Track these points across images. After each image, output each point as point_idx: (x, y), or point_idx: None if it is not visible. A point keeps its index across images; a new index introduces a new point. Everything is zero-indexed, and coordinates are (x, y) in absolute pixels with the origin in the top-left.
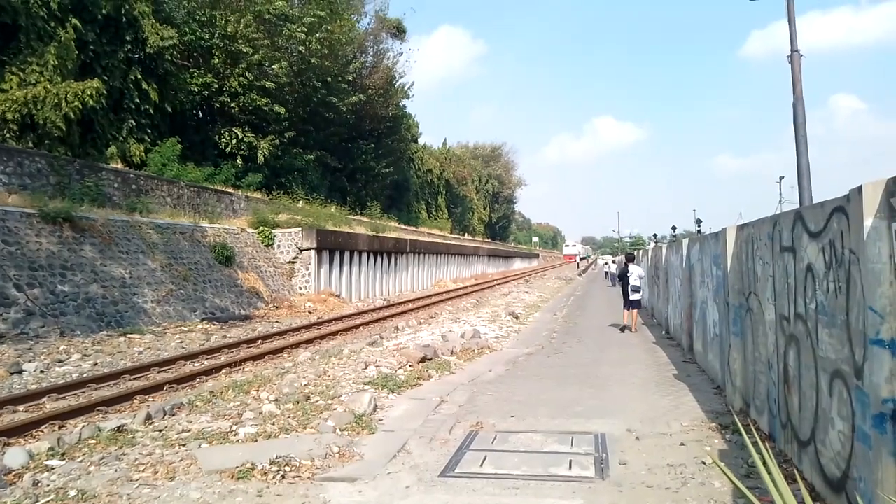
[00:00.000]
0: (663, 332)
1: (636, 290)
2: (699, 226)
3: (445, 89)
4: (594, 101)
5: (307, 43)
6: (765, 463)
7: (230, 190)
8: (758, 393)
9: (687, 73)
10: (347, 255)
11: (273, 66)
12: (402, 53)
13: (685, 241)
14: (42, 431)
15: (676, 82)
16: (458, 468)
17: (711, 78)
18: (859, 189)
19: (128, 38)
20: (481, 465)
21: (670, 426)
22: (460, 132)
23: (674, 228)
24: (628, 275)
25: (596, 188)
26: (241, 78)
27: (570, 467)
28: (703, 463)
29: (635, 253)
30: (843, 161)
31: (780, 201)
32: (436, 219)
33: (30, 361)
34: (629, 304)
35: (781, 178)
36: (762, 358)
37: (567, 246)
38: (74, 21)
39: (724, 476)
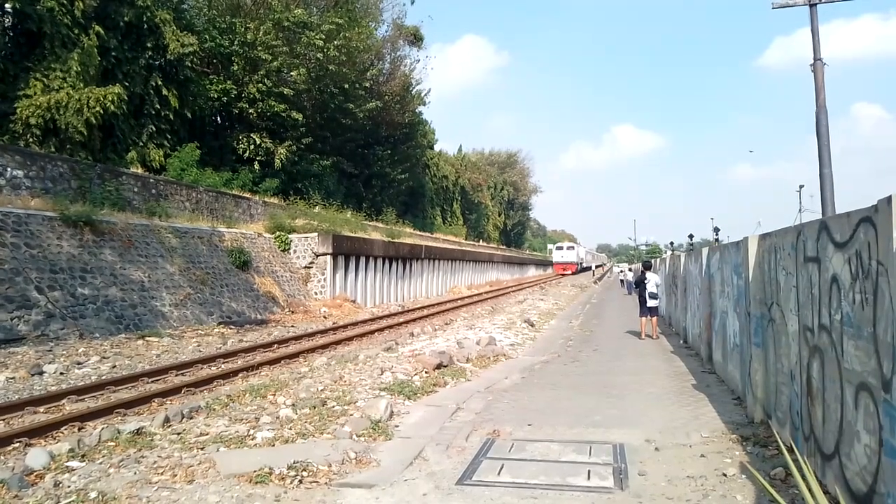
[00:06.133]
0: (681, 342)
1: (654, 296)
2: (717, 234)
3: (465, 96)
4: (615, 110)
5: (325, 50)
6: (803, 476)
7: (248, 195)
8: (779, 404)
9: (708, 80)
10: (363, 260)
11: (291, 73)
12: (419, 60)
13: (705, 250)
14: (62, 433)
15: (697, 90)
16: (475, 476)
17: (732, 86)
18: (888, 200)
19: (149, 44)
20: (498, 473)
21: (690, 437)
22: (479, 139)
23: (691, 237)
24: (645, 282)
25: (613, 196)
26: (260, 84)
27: (589, 477)
28: (724, 475)
29: (652, 261)
30: (865, 171)
31: (799, 210)
32: (451, 225)
33: (50, 363)
34: (647, 310)
35: (801, 187)
36: (784, 369)
37: (559, 248)
38: (97, 28)
39: (745, 489)
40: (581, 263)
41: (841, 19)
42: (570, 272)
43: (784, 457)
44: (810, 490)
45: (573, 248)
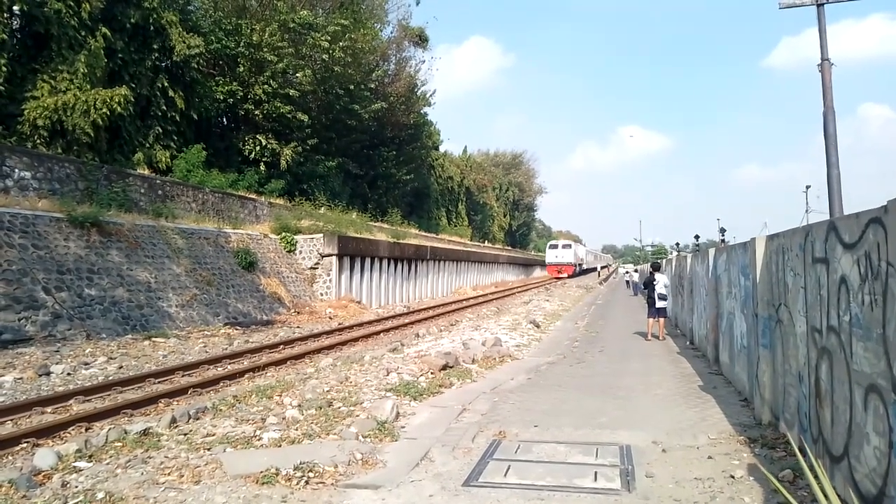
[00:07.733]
0: (687, 343)
1: (663, 297)
2: (723, 235)
3: (471, 98)
4: (621, 110)
5: (331, 51)
6: (816, 477)
7: (253, 196)
8: (787, 406)
9: (714, 81)
10: (368, 261)
11: (297, 75)
12: (424, 62)
13: (711, 251)
14: (69, 433)
15: (704, 91)
16: (481, 477)
17: (738, 86)
18: None
19: (155, 46)
20: (505, 474)
21: (697, 439)
22: (484, 140)
23: (697, 238)
24: (654, 283)
25: (618, 197)
26: (266, 86)
27: (596, 479)
28: (732, 477)
29: (661, 262)
30: (872, 171)
31: (806, 211)
32: (456, 226)
33: (57, 363)
34: (655, 311)
35: (808, 187)
36: (792, 370)
37: (553, 247)
38: (104, 30)
39: (753, 491)
40: (580, 265)
41: (849, 19)
42: (566, 275)
43: (792, 458)
44: (824, 492)
45: (570, 246)
